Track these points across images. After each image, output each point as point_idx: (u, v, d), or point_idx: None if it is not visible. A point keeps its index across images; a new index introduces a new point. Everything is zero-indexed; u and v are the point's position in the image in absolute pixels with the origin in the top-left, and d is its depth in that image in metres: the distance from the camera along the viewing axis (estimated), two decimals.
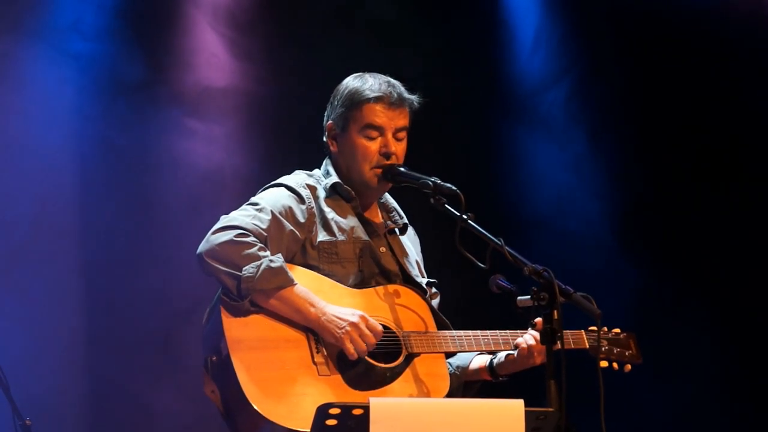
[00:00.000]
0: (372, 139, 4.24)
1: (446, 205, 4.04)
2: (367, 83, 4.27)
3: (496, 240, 3.87)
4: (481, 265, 3.88)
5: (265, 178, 4.38)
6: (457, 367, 4.31)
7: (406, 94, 4.28)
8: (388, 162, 4.21)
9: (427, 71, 6.57)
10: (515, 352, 4.20)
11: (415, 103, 4.30)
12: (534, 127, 7.08)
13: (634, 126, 6.91)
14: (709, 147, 6.77)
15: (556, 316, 3.65)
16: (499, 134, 7.09)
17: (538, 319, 3.99)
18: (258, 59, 6.56)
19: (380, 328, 4.01)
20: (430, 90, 4.40)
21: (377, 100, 4.23)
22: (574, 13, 7.05)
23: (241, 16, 6.57)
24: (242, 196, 4.29)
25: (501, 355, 4.26)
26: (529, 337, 4.17)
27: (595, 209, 6.91)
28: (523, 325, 4.20)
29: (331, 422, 3.53)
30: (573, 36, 7.06)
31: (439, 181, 4.08)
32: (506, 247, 3.83)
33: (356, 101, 4.24)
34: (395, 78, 4.34)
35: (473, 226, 3.95)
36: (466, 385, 4.32)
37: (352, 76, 4.33)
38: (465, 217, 3.96)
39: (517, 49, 7.11)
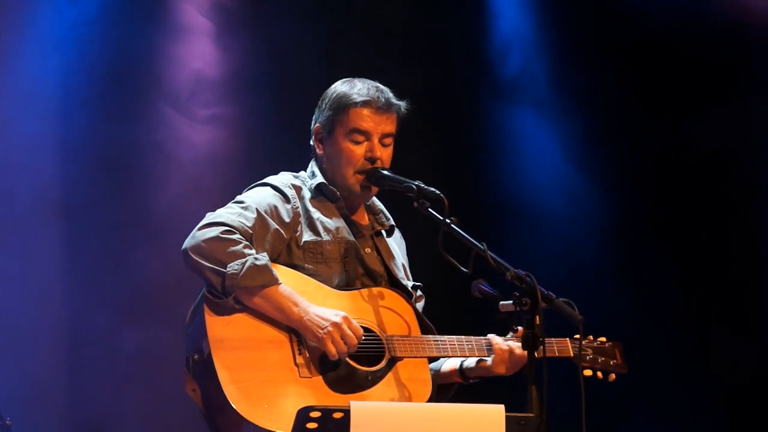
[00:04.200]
0: (358, 143, 4.23)
1: (430, 209, 4.03)
2: (355, 87, 4.26)
3: (478, 245, 3.86)
4: (464, 270, 3.88)
5: (254, 170, 4.37)
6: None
7: (394, 100, 4.27)
8: (372, 166, 4.21)
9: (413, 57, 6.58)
10: (489, 359, 4.19)
11: (403, 110, 4.29)
12: (520, 112, 7.05)
13: (624, 130, 6.91)
14: (700, 156, 6.76)
15: (537, 322, 3.66)
16: (478, 120, 7.06)
17: (520, 328, 3.97)
18: (248, 50, 6.55)
19: (362, 330, 4.01)
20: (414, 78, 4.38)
21: (364, 104, 4.23)
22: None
23: (232, 7, 6.55)
24: (229, 192, 4.28)
25: (472, 359, 4.25)
26: (512, 343, 4.16)
27: (584, 208, 6.90)
28: (505, 331, 4.21)
29: (311, 425, 3.53)
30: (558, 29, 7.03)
31: (423, 185, 4.07)
32: (489, 252, 3.83)
33: (344, 105, 4.24)
34: (385, 75, 4.35)
35: (456, 230, 3.95)
36: (439, 388, 4.30)
37: (341, 80, 4.33)
38: (448, 221, 3.96)
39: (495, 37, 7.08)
